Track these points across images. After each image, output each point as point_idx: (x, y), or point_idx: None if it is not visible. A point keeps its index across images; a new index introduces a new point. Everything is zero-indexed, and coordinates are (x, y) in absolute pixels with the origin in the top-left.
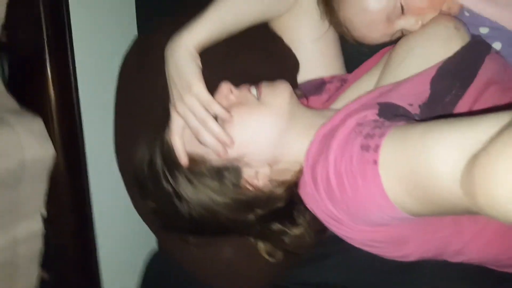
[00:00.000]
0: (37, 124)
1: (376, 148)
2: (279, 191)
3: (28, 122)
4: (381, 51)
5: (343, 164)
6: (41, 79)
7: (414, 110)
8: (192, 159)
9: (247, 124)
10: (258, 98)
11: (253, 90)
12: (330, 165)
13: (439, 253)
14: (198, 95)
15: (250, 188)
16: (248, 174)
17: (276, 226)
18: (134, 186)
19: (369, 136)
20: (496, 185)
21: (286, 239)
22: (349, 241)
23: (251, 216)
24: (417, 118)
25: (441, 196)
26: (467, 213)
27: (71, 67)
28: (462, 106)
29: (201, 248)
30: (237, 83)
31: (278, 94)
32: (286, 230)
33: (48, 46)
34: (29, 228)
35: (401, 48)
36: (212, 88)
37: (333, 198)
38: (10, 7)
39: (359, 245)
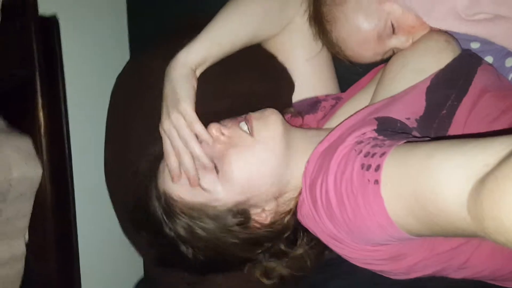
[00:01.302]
0: (25, 143)
1: (378, 168)
2: (286, 220)
3: (16, 140)
4: (374, 69)
5: (344, 183)
6: (31, 101)
7: (412, 124)
8: (197, 209)
9: (247, 166)
10: (251, 133)
11: (244, 126)
12: (330, 184)
13: (441, 268)
14: (183, 111)
15: (259, 226)
16: (255, 212)
17: (277, 248)
18: (129, 222)
19: (369, 155)
20: (505, 210)
21: (287, 261)
22: (349, 260)
23: (260, 251)
24: (415, 132)
25: (445, 219)
26: (472, 237)
27: (61, 90)
28: (459, 115)
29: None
30: (233, 102)
31: (271, 127)
32: (288, 251)
33: (39, 68)
34: (11, 251)
35: (394, 64)
36: (209, 107)
37: (333, 218)
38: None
39: (360, 264)
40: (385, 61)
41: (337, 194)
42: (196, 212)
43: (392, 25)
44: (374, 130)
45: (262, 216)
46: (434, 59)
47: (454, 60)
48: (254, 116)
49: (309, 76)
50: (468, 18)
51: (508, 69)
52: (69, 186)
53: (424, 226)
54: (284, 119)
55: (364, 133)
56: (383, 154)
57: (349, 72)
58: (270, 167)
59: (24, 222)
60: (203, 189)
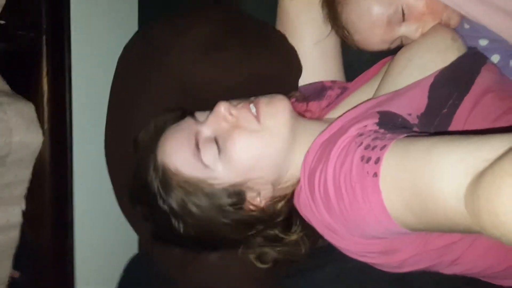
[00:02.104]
0: (28, 109)
1: (378, 160)
2: (280, 206)
3: (19, 105)
4: (381, 61)
5: (342, 174)
6: (36, 66)
7: (413, 120)
8: (194, 184)
9: (250, 150)
10: (258, 119)
11: (253, 108)
12: (328, 175)
13: (433, 264)
14: None
15: (253, 208)
16: (250, 195)
17: (271, 233)
18: (126, 196)
19: (369, 147)
20: (501, 205)
21: (280, 246)
22: (343, 251)
23: (251, 233)
24: (415, 128)
25: (443, 214)
26: (469, 232)
27: (67, 57)
28: (460, 114)
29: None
30: (245, 80)
31: (279, 115)
32: (282, 236)
33: (46, 32)
34: (7, 217)
35: (401, 58)
36: (223, 80)
37: (330, 208)
38: None
39: (354, 255)
40: (391, 52)
41: (336, 185)
42: (192, 187)
43: (403, 12)
44: (376, 123)
45: (257, 200)
46: (440, 57)
47: (459, 58)
48: (263, 101)
49: (316, 60)
50: None
51: (511, 69)
52: (68, 157)
53: (421, 221)
54: (291, 106)
55: (366, 126)
56: (383, 147)
57: (356, 61)
58: (272, 153)
59: (21, 189)
60: (204, 164)
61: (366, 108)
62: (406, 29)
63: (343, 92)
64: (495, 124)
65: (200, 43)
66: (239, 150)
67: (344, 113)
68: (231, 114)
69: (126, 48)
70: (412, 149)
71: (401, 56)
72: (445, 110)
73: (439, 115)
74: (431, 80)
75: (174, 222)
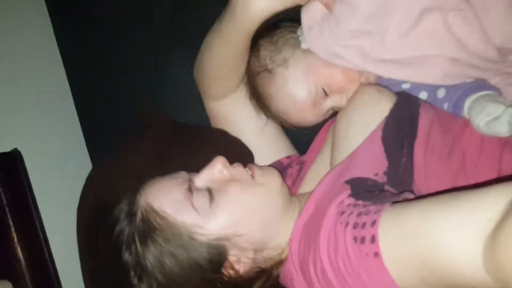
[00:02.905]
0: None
1: (373, 239)
2: (258, 281)
3: None
4: (324, 126)
5: (340, 261)
6: (5, 240)
7: (381, 178)
8: (176, 229)
9: (242, 202)
10: (253, 176)
11: (247, 170)
12: (325, 263)
13: None
14: None
15: (231, 272)
16: (232, 257)
17: None
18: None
19: (358, 226)
20: None
21: None
22: None
23: None
24: (386, 186)
25: (460, 281)
26: None
27: (37, 219)
28: (417, 160)
29: None
30: None
31: (273, 178)
32: None
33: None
34: None
35: (341, 123)
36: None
37: None
38: None
39: None
40: (330, 117)
41: (336, 273)
42: (175, 234)
43: (323, 89)
44: (350, 195)
45: (236, 264)
46: (375, 110)
47: (395, 106)
48: (256, 166)
49: (264, 145)
50: (378, 57)
51: (441, 100)
52: None
53: None
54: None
55: (342, 202)
56: (373, 223)
57: (300, 134)
58: (262, 211)
59: None
60: (193, 207)
61: (331, 181)
62: (333, 102)
63: (302, 167)
64: (451, 161)
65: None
66: (232, 200)
67: (310, 193)
68: (226, 168)
69: (83, 192)
70: (405, 219)
71: (340, 121)
72: (404, 159)
73: (400, 165)
74: (380, 133)
75: (134, 280)
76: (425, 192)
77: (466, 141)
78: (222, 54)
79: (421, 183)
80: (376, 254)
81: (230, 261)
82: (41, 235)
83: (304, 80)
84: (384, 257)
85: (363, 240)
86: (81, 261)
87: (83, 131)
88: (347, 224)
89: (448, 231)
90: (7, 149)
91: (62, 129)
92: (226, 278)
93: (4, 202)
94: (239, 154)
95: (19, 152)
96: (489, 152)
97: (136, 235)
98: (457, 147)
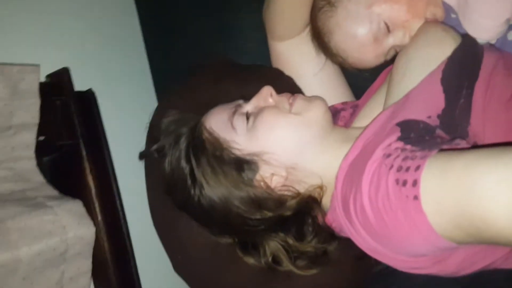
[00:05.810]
0: (77, 206)
1: (415, 183)
2: (290, 200)
3: (68, 204)
4: (384, 71)
5: (380, 200)
6: (79, 167)
7: (434, 122)
8: (218, 143)
9: (274, 126)
10: (291, 106)
11: (291, 100)
12: (365, 201)
13: (490, 262)
14: None
15: (263, 186)
16: (264, 172)
17: (282, 235)
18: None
19: (402, 169)
20: None
21: (284, 253)
22: (393, 267)
23: (258, 216)
24: (438, 130)
25: (497, 233)
26: None
27: (106, 153)
28: (476, 101)
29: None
30: None
31: (312, 108)
32: (294, 244)
33: (82, 137)
34: None
35: (400, 62)
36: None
37: (373, 234)
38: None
39: (406, 270)
40: (391, 62)
41: (375, 211)
42: (215, 148)
43: (386, 24)
44: (399, 138)
45: (269, 179)
46: (438, 50)
47: (459, 47)
48: (301, 96)
49: (321, 89)
50: None
51: (510, 42)
52: (127, 242)
53: (472, 237)
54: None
55: (390, 144)
56: (417, 167)
57: (360, 79)
58: (291, 138)
59: (85, 280)
60: (232, 126)
61: (383, 121)
62: (395, 39)
63: (355, 110)
64: (510, 104)
65: None
66: (264, 123)
67: (361, 133)
68: (272, 97)
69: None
70: (450, 167)
71: (400, 61)
72: (462, 100)
73: (457, 106)
74: (440, 74)
75: (190, 185)
76: (480, 135)
77: None
78: None
79: (477, 125)
80: (416, 197)
81: (261, 175)
82: (110, 166)
83: (367, 13)
84: (423, 201)
85: (404, 183)
86: (146, 176)
87: (152, 74)
88: (391, 166)
89: (491, 182)
90: (83, 89)
91: (133, 73)
92: (259, 191)
93: (79, 135)
94: (289, 89)
95: (93, 93)
96: None
97: (191, 146)
98: None
